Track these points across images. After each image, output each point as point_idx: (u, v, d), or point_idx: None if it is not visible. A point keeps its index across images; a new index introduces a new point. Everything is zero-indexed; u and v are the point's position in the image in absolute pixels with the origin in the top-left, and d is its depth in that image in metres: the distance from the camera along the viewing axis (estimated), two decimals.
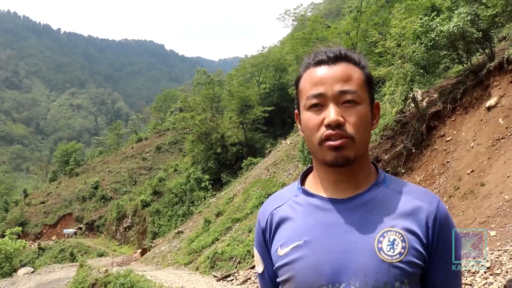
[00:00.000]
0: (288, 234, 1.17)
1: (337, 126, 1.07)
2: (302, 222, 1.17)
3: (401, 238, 1.08)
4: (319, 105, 1.11)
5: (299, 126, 1.22)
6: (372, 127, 1.17)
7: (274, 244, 1.21)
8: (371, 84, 1.17)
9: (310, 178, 1.27)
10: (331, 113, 1.07)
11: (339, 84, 1.10)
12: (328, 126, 1.08)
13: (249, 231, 15.80)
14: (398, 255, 1.07)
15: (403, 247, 1.08)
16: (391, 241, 1.08)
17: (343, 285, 1.07)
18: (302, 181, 1.28)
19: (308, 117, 1.13)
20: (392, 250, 1.07)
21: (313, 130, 1.11)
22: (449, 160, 10.23)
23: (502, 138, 9.00)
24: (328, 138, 1.08)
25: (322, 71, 1.12)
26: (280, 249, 1.17)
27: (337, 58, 1.13)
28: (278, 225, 1.22)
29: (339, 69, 1.12)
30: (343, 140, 1.07)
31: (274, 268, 1.21)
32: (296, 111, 1.23)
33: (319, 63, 1.14)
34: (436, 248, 1.12)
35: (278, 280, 1.19)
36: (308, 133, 1.13)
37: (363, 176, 1.18)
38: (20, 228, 38.49)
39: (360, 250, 1.08)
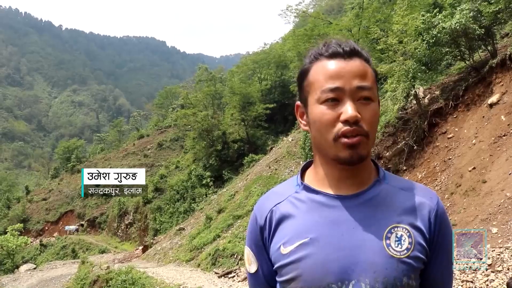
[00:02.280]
0: (291, 232, 1.14)
1: (354, 122, 1.05)
2: (305, 219, 1.14)
3: (408, 234, 1.09)
4: (335, 100, 1.08)
5: (301, 120, 1.19)
6: None
7: (275, 242, 1.17)
8: (377, 81, 1.17)
9: (310, 173, 1.24)
10: (349, 109, 1.05)
11: (356, 79, 1.07)
12: (346, 122, 1.05)
13: None
14: (405, 251, 1.08)
15: (410, 243, 1.09)
16: (399, 237, 1.09)
17: (353, 282, 1.06)
18: (302, 177, 1.26)
19: (322, 111, 1.09)
20: (400, 246, 1.08)
21: (328, 126, 1.08)
22: (450, 157, 10.21)
23: (504, 135, 8.98)
24: (344, 134, 1.06)
25: (338, 64, 1.09)
26: (284, 248, 1.14)
27: (352, 53, 1.11)
28: (279, 222, 1.18)
29: (356, 64, 1.10)
30: (359, 138, 1.06)
31: (274, 267, 1.17)
32: (298, 103, 1.20)
33: (334, 55, 1.11)
34: (436, 243, 1.14)
35: (280, 279, 1.16)
36: (321, 128, 1.10)
37: (367, 173, 1.17)
38: (22, 225, 38.66)
39: (369, 247, 1.07)
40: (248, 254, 1.30)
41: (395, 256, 1.07)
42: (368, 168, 1.18)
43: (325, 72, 1.10)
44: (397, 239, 1.08)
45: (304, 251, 1.10)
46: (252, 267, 1.28)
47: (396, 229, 1.09)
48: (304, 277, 1.09)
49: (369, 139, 1.08)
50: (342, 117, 1.06)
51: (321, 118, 1.09)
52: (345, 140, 1.06)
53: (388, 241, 1.08)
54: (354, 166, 1.12)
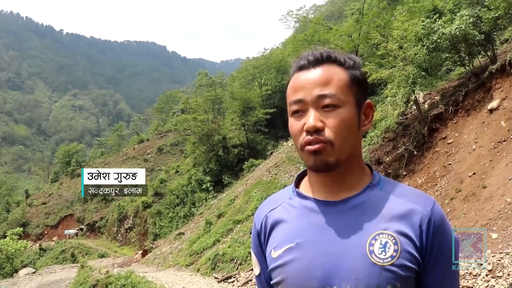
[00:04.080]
0: (281, 237, 1.17)
1: (315, 131, 1.07)
2: (295, 225, 1.16)
3: (393, 241, 1.07)
4: (300, 111, 1.11)
5: None
6: (362, 129, 1.15)
7: (268, 246, 1.20)
8: (359, 84, 1.14)
9: (305, 181, 1.26)
10: (310, 119, 1.07)
11: (317, 88, 1.08)
12: (307, 132, 1.08)
13: (251, 233, 15.70)
14: (390, 258, 1.05)
15: (395, 250, 1.06)
16: (383, 244, 1.07)
17: None
18: (297, 184, 1.28)
19: (291, 123, 1.13)
20: (383, 253, 1.06)
21: (296, 136, 1.12)
22: (450, 163, 10.21)
23: (504, 141, 8.98)
24: (307, 143, 1.08)
25: (303, 76, 1.12)
26: (274, 251, 1.16)
27: (317, 62, 1.12)
28: (272, 227, 1.21)
29: (318, 73, 1.11)
30: (320, 145, 1.07)
31: (268, 270, 1.20)
32: None
33: (301, 68, 1.14)
34: (431, 252, 1.10)
35: (271, 282, 1.19)
36: (293, 138, 1.15)
37: (355, 179, 1.16)
38: (22, 229, 38.53)
39: (352, 253, 1.07)
40: (253, 257, 1.33)
41: (378, 263, 1.05)
42: (357, 173, 1.17)
43: (292, 86, 1.14)
44: (381, 246, 1.06)
45: (290, 255, 1.12)
46: (256, 270, 1.32)
47: (380, 236, 1.08)
48: (289, 281, 1.11)
49: (335, 146, 1.08)
50: (304, 127, 1.09)
51: (291, 129, 1.14)
52: (308, 147, 1.08)
53: (371, 248, 1.06)
54: (334, 173, 1.12)
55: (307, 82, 1.10)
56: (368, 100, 1.17)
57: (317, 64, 1.12)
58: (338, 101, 1.09)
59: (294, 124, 1.12)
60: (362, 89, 1.15)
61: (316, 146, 1.07)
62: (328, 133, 1.07)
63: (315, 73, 1.11)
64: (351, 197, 1.14)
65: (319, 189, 1.17)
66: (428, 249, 1.10)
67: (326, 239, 1.10)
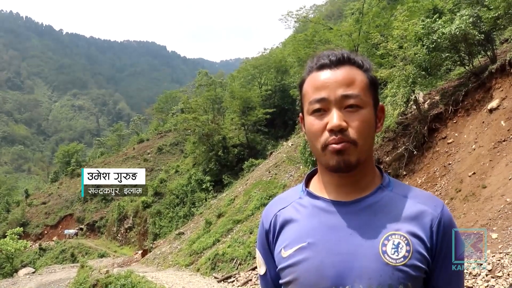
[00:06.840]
0: (292, 236, 1.17)
1: (339, 131, 1.07)
2: (306, 224, 1.16)
3: (406, 242, 1.08)
4: (321, 110, 1.10)
5: (304, 130, 1.22)
6: (376, 131, 1.16)
7: (278, 245, 1.20)
8: (375, 87, 1.16)
9: (314, 180, 1.26)
10: (334, 118, 1.07)
11: (341, 88, 1.09)
12: (331, 131, 1.07)
13: (250, 233, 15.79)
14: (402, 259, 1.07)
15: (407, 251, 1.08)
16: (396, 244, 1.08)
17: (347, 287, 1.07)
18: (307, 184, 1.28)
19: (311, 122, 1.12)
20: (396, 254, 1.07)
21: (316, 135, 1.11)
22: (450, 162, 10.21)
23: (504, 141, 8.98)
24: (331, 144, 1.08)
25: (325, 75, 1.12)
26: (284, 251, 1.16)
27: (339, 62, 1.12)
28: (282, 226, 1.21)
29: (342, 73, 1.11)
30: (344, 144, 1.07)
31: (277, 269, 1.20)
32: (300, 114, 1.23)
33: (322, 67, 1.13)
34: (440, 252, 1.12)
35: (281, 281, 1.19)
36: (311, 137, 1.13)
37: (368, 180, 1.17)
38: (21, 229, 38.52)
39: (365, 253, 1.08)
40: (258, 256, 1.34)
41: (390, 263, 1.06)
42: (370, 175, 1.18)
43: (313, 84, 1.13)
44: (394, 246, 1.08)
45: (302, 255, 1.12)
46: (262, 269, 1.32)
47: (393, 236, 1.09)
48: (301, 280, 1.11)
49: (358, 146, 1.08)
50: (328, 127, 1.08)
51: (311, 128, 1.13)
52: (332, 146, 1.08)
53: (384, 248, 1.08)
54: (350, 173, 1.12)
55: (331, 81, 1.11)
56: (381, 104, 1.19)
57: (339, 64, 1.13)
58: (361, 102, 1.10)
59: (314, 123, 1.11)
60: (376, 92, 1.18)
61: (341, 145, 1.07)
62: (352, 133, 1.08)
63: (338, 73, 1.11)
64: (363, 197, 1.15)
65: (332, 190, 1.18)
66: (437, 249, 1.12)
67: (338, 239, 1.11)
